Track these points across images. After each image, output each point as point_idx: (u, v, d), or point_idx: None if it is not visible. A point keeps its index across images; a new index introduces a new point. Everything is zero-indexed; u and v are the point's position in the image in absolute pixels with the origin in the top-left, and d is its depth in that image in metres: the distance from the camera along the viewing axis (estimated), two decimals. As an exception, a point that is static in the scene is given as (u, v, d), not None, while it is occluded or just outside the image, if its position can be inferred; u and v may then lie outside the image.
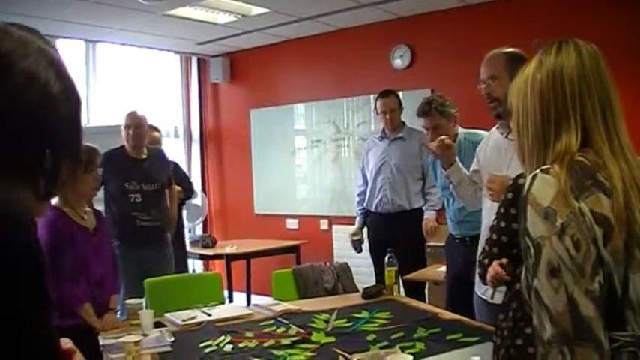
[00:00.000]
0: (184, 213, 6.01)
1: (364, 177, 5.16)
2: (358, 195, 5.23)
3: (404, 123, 5.05)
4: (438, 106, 3.90)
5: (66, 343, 1.19)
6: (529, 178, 1.29)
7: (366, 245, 5.16)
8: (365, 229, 5.19)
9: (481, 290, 2.89)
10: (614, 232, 1.21)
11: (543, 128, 1.34)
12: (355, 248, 5.15)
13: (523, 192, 1.28)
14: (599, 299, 1.19)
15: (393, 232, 4.76)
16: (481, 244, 2.90)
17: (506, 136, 2.78)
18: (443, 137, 3.13)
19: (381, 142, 5.05)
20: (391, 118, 4.92)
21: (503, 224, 2.08)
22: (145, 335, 2.81)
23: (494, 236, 2.11)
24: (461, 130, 4.01)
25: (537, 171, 1.28)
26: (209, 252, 6.24)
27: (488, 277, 2.10)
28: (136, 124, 4.60)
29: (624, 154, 1.30)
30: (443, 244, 4.56)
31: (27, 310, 0.91)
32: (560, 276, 1.19)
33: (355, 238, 5.14)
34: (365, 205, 5.11)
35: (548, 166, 1.28)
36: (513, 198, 2.01)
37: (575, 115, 1.31)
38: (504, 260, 2.05)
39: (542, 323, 1.21)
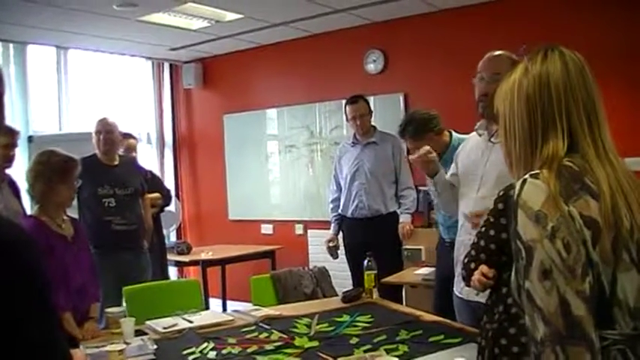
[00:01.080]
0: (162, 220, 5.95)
1: (337, 183, 5.17)
2: (332, 201, 5.23)
3: (375, 127, 5.07)
4: (410, 131, 3.91)
5: (79, 357, 1.20)
6: (519, 182, 1.32)
7: (341, 250, 5.17)
8: (340, 235, 5.20)
9: (458, 289, 2.93)
10: (603, 234, 1.25)
11: (530, 134, 1.38)
12: (331, 255, 5.16)
13: (513, 196, 1.32)
14: (589, 299, 1.22)
15: (369, 236, 4.77)
16: (457, 246, 2.95)
17: (490, 140, 2.80)
18: (425, 151, 3.05)
19: (353, 147, 5.07)
20: (361, 124, 4.94)
21: (492, 232, 2.12)
22: (127, 344, 2.79)
23: (483, 243, 2.15)
24: (455, 136, 3.97)
25: (527, 176, 1.31)
26: (184, 259, 6.21)
27: (475, 280, 2.14)
28: (107, 129, 4.60)
29: (609, 158, 1.34)
30: (419, 247, 4.61)
31: (25, 312, 0.93)
32: (552, 278, 1.23)
33: (331, 244, 5.14)
34: (340, 211, 5.13)
35: (537, 171, 1.32)
36: (504, 208, 2.06)
37: (562, 121, 1.35)
38: (491, 270, 2.10)
39: (534, 324, 1.24)
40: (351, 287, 4.18)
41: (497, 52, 2.84)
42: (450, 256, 3.72)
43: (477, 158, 2.86)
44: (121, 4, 5.15)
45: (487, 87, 2.76)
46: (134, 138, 5.58)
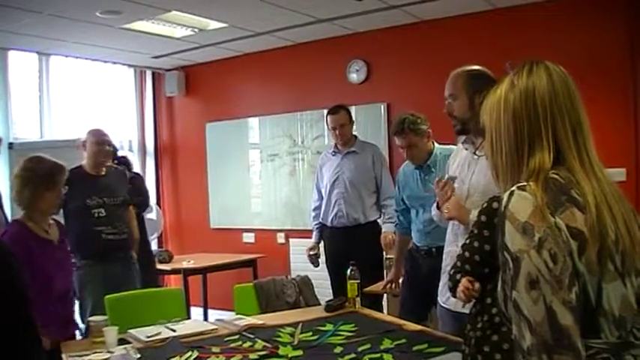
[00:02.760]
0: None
1: (319, 192, 5.18)
2: (313, 210, 5.25)
3: (356, 137, 5.09)
4: (410, 124, 3.93)
5: None
6: (506, 194, 1.34)
7: (323, 259, 5.19)
8: (321, 243, 5.22)
9: (443, 299, 2.95)
10: (588, 245, 1.27)
11: (517, 147, 1.40)
12: (313, 263, 5.16)
13: (501, 208, 1.34)
14: (576, 309, 1.24)
15: (349, 245, 4.82)
16: (445, 257, 2.97)
17: (475, 153, 2.84)
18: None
19: (334, 156, 5.09)
20: (341, 134, 4.96)
21: (476, 244, 2.15)
22: (110, 353, 2.78)
23: (467, 254, 2.19)
24: (436, 146, 4.05)
25: (514, 188, 1.34)
26: (166, 267, 6.18)
27: (459, 292, 2.17)
28: (106, 141, 4.60)
29: (594, 170, 1.37)
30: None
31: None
32: (539, 288, 1.24)
33: (312, 252, 5.16)
34: (321, 219, 5.15)
35: (524, 183, 1.34)
36: (487, 221, 2.09)
37: (548, 134, 1.38)
38: (476, 284, 2.14)
39: (521, 333, 1.26)
40: (332, 296, 4.20)
41: (454, 72, 2.92)
42: (425, 263, 3.75)
43: (464, 171, 2.90)
44: (104, 11, 5.14)
45: (448, 107, 2.88)
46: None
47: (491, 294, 2.04)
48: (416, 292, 3.89)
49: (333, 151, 5.10)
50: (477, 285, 2.13)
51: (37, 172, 3.17)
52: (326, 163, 5.14)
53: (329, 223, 5.04)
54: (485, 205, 2.14)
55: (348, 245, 4.84)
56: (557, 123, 1.38)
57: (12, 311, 0.98)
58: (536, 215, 1.27)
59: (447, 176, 3.01)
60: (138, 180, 5.69)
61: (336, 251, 4.96)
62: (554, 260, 1.25)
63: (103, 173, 4.62)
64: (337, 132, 4.94)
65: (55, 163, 3.26)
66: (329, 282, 5.07)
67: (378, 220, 5.00)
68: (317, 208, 5.19)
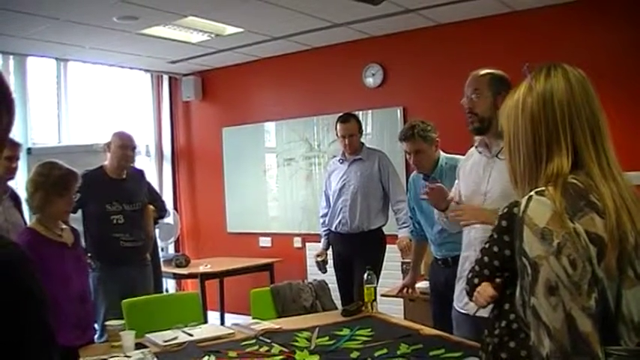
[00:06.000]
0: (157, 232, 5.93)
1: (327, 198, 5.19)
2: (322, 216, 5.25)
3: (362, 144, 5.08)
4: (420, 131, 3.91)
5: None
6: (524, 199, 1.33)
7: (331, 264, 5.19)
8: (330, 249, 5.22)
9: (460, 305, 2.94)
10: (608, 251, 1.25)
11: (535, 150, 1.39)
12: (320, 269, 5.15)
13: (519, 213, 1.32)
14: (595, 315, 1.23)
15: (351, 251, 4.88)
16: (462, 261, 2.95)
17: (497, 156, 2.81)
18: (440, 187, 3.08)
19: (341, 164, 5.09)
20: (350, 143, 4.95)
21: (496, 249, 2.14)
22: (127, 357, 2.79)
23: (486, 259, 2.17)
24: (442, 155, 4.02)
25: (532, 193, 1.32)
26: (183, 271, 6.20)
27: (476, 297, 2.15)
28: (133, 146, 4.62)
29: (613, 175, 1.35)
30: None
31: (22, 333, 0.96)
32: (558, 294, 1.23)
33: (319, 259, 5.16)
34: (327, 225, 5.16)
35: (542, 188, 1.32)
36: (507, 226, 2.08)
37: (566, 138, 1.36)
38: (497, 280, 2.12)
39: (540, 340, 1.25)
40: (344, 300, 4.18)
41: (477, 71, 2.93)
42: (443, 273, 3.74)
43: (479, 175, 2.88)
44: (121, 17, 5.17)
45: (470, 103, 2.87)
46: None
47: (509, 299, 2.02)
48: (442, 303, 3.86)
49: (340, 159, 5.10)
50: (497, 280, 2.12)
51: (49, 178, 3.18)
52: (334, 170, 5.15)
53: (334, 229, 5.07)
54: (505, 209, 2.12)
55: (350, 250, 4.89)
56: (575, 127, 1.36)
57: (27, 315, 0.97)
58: (554, 221, 1.26)
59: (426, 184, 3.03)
60: (153, 188, 5.71)
61: (340, 256, 5.02)
62: (574, 266, 1.23)
63: (124, 177, 4.63)
64: (346, 141, 4.94)
65: (68, 170, 3.26)
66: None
67: (383, 228, 5.00)
68: (325, 215, 5.20)
